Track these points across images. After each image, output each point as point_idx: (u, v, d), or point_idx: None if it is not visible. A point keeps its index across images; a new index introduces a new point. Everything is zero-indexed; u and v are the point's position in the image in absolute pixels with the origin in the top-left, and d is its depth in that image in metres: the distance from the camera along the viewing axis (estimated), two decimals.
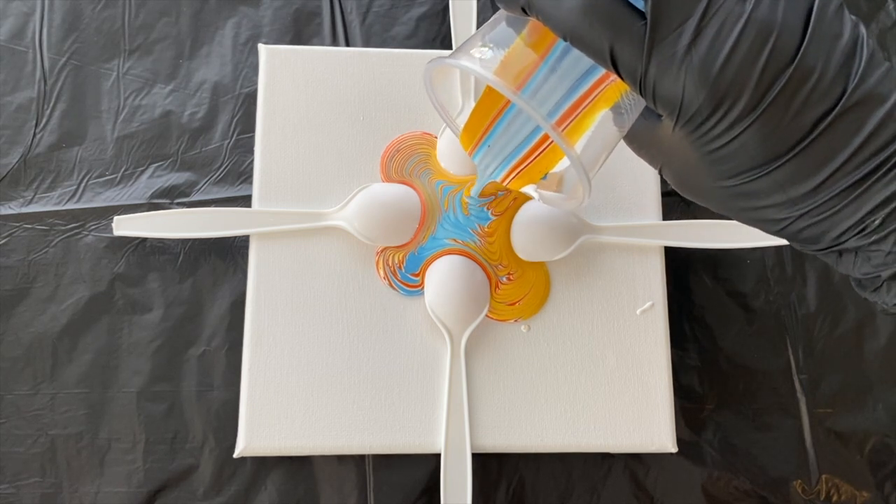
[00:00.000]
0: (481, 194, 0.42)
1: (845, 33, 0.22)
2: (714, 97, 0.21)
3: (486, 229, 0.42)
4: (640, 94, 0.23)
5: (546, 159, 0.30)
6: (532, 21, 0.25)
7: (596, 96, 0.26)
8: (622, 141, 0.28)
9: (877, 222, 0.23)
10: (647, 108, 0.27)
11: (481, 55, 0.27)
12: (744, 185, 0.23)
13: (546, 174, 0.31)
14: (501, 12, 0.27)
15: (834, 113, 0.21)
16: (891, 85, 0.22)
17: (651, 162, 0.27)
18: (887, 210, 0.22)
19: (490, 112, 0.29)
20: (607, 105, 0.26)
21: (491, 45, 0.27)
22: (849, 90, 0.21)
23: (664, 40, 0.21)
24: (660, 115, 0.25)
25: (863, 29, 0.22)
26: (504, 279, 0.42)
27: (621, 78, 0.23)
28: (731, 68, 0.21)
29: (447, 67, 0.28)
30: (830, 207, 0.23)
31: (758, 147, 0.22)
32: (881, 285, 0.25)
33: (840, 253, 0.25)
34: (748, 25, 0.21)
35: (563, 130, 0.26)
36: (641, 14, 0.22)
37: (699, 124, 0.22)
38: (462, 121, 0.31)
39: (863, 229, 0.23)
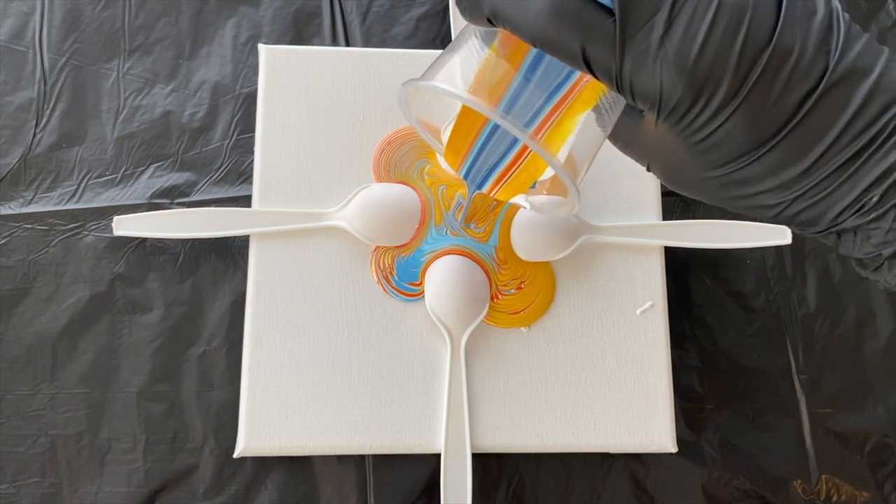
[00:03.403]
0: (466, 220, 0.42)
1: (819, 9, 0.21)
2: (693, 87, 0.21)
3: (501, 255, 0.42)
4: (618, 91, 0.23)
5: (531, 167, 0.29)
6: (502, 31, 0.24)
7: (571, 99, 0.26)
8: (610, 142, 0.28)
9: (874, 199, 0.22)
10: (628, 104, 0.26)
11: (454, 72, 0.26)
12: (734, 173, 0.23)
13: (534, 183, 0.31)
14: (470, 25, 0.26)
15: (818, 91, 0.21)
16: (873, 57, 0.22)
17: (638, 159, 0.27)
18: (884, 186, 0.22)
19: (472, 126, 0.29)
20: (587, 107, 0.26)
21: (463, 59, 0.26)
22: (831, 66, 0.21)
23: (636, 35, 0.21)
24: (641, 111, 0.24)
25: (836, 2, 0.22)
26: (513, 291, 0.42)
27: (597, 78, 0.23)
28: (708, 56, 0.21)
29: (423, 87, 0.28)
30: (825, 187, 0.22)
31: (744, 133, 0.22)
32: (882, 264, 0.24)
33: (839, 234, 0.25)
34: (720, 11, 0.20)
35: (541, 137, 0.25)
36: (610, 11, 0.21)
37: (681, 116, 0.22)
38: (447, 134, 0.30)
39: (860, 207, 0.23)
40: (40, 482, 0.40)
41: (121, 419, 0.41)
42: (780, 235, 0.43)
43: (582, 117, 0.26)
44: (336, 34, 0.48)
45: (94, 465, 0.41)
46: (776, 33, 0.21)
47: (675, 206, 0.46)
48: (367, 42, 0.48)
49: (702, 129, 0.22)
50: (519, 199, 0.32)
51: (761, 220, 0.27)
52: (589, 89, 0.26)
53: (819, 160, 0.22)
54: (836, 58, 0.21)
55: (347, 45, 0.48)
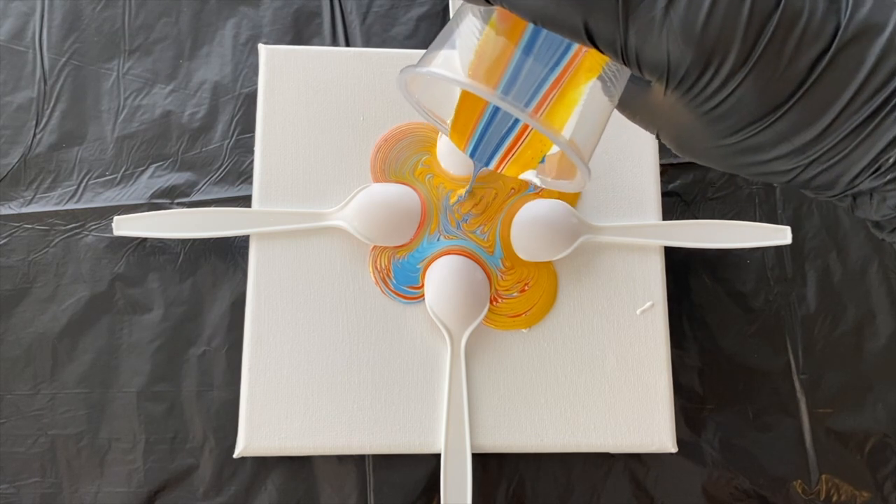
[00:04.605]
0: (464, 209, 0.42)
1: None
2: (702, 56, 0.20)
3: (507, 263, 0.42)
4: (624, 64, 0.22)
5: (536, 141, 0.29)
6: (499, 8, 0.24)
7: (574, 68, 0.25)
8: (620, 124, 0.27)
9: (891, 160, 0.22)
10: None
11: (453, 54, 0.26)
12: (746, 140, 0.22)
13: (543, 157, 0.31)
14: (465, 4, 0.26)
15: (831, 51, 0.20)
16: (885, 13, 0.21)
17: (647, 127, 0.26)
18: None
19: (475, 105, 0.28)
20: (592, 75, 0.25)
21: (461, 39, 0.26)
22: (843, 24, 0.20)
23: (639, 5, 0.20)
24: (649, 81, 0.23)
25: None
26: (515, 294, 0.42)
27: (601, 52, 0.22)
28: (715, 22, 0.20)
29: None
30: (840, 150, 0.22)
31: (755, 100, 0.21)
32: None
33: (854, 197, 0.24)
34: None
35: (543, 112, 0.25)
36: None
37: (690, 86, 0.21)
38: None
39: (877, 169, 0.22)
40: (40, 482, 0.40)
41: (121, 419, 0.41)
42: (780, 235, 0.43)
43: (587, 87, 0.26)
44: (336, 34, 0.48)
45: (94, 465, 0.41)
46: None
47: (675, 206, 0.46)
48: (367, 42, 0.48)
49: (712, 98, 0.22)
50: (529, 175, 0.32)
51: (776, 185, 0.26)
52: (592, 56, 0.25)
53: (833, 123, 0.21)
54: (847, 16, 0.20)
55: (347, 45, 0.48)
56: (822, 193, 0.24)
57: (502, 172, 0.31)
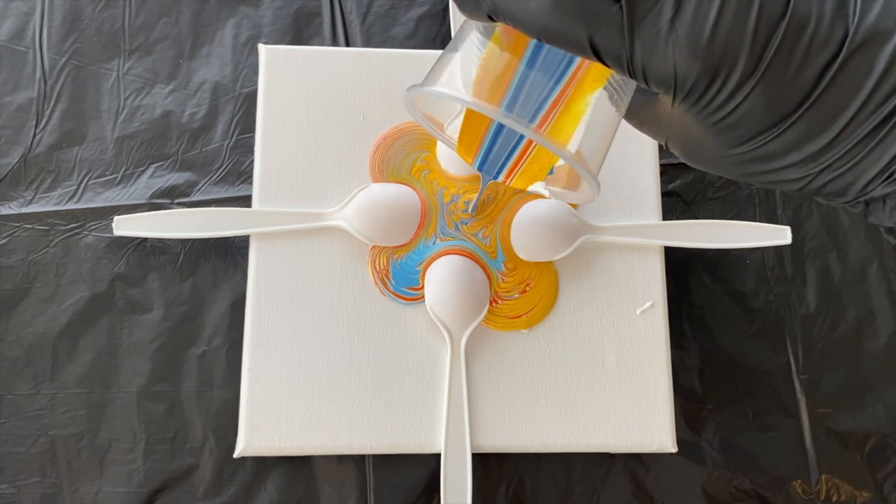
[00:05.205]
0: (476, 213, 0.42)
1: None
2: (709, 68, 0.20)
3: (509, 266, 0.42)
4: (631, 77, 0.22)
5: (543, 153, 0.29)
6: (502, 24, 0.24)
7: (579, 79, 0.25)
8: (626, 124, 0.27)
9: None
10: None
11: (457, 70, 0.26)
12: (756, 149, 0.22)
13: (552, 169, 0.31)
14: (469, 20, 0.26)
15: (839, 59, 0.20)
16: (894, 17, 0.20)
17: (655, 137, 0.26)
18: None
19: (482, 119, 0.28)
20: (598, 85, 0.25)
21: (465, 55, 0.26)
22: (850, 31, 0.20)
23: (645, 19, 0.20)
24: (656, 93, 0.23)
25: None
26: (516, 295, 0.42)
27: (607, 66, 0.22)
28: (722, 34, 0.20)
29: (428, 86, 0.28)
30: (852, 158, 0.22)
31: (764, 110, 0.21)
32: None
33: (867, 203, 0.24)
34: None
35: (549, 126, 0.25)
36: None
37: (698, 98, 0.21)
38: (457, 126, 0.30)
39: (889, 175, 0.22)
40: (40, 482, 0.40)
41: (121, 419, 0.41)
42: (780, 235, 0.43)
43: (593, 97, 0.26)
44: (336, 34, 0.48)
45: (94, 465, 0.41)
46: (791, 2, 0.20)
47: (675, 206, 0.46)
48: (367, 42, 0.48)
49: (720, 110, 0.22)
50: (537, 187, 0.32)
51: (787, 192, 0.26)
52: (597, 67, 0.25)
53: (843, 131, 0.21)
54: (855, 22, 0.20)
55: (347, 45, 0.48)
56: (835, 200, 0.24)
57: (511, 185, 0.31)
